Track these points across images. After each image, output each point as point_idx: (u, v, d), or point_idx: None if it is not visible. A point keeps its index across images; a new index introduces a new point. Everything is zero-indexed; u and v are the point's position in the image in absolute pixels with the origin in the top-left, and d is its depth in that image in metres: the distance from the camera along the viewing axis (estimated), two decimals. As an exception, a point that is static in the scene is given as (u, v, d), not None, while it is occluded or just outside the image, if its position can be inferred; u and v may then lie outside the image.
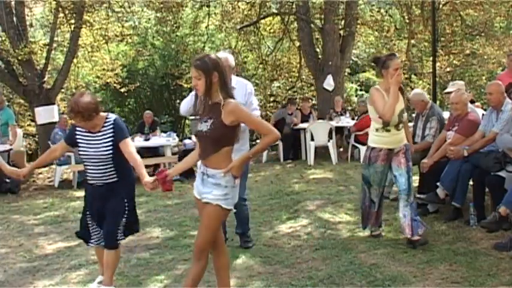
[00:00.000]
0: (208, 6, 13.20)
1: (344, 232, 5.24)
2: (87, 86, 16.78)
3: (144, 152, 9.85)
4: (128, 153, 3.69)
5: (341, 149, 10.84)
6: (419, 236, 4.58)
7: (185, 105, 4.61)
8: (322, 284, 3.87)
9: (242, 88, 4.63)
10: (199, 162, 3.40)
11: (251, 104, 4.68)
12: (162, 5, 12.60)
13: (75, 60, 12.69)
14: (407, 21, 13.78)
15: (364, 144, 9.77)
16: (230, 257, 4.56)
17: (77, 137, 3.76)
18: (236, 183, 3.23)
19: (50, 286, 4.19)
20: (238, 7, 13.59)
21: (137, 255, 4.84)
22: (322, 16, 12.47)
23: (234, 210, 3.46)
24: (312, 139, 10.10)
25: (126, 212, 3.79)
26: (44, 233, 5.91)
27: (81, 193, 8.34)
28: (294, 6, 12.40)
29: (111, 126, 3.71)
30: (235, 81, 4.59)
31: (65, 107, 15.66)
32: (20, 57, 11.05)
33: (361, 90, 18.91)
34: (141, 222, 6.09)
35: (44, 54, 12.28)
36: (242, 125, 3.42)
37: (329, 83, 11.92)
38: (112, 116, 3.77)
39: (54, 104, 11.95)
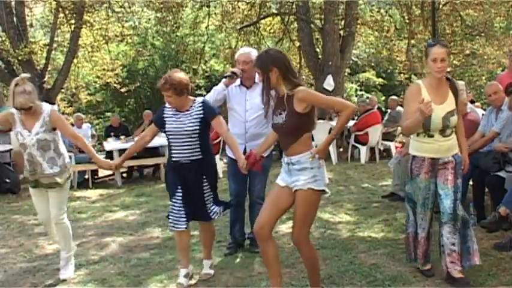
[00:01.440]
0: (208, 6, 13.21)
1: (344, 232, 5.24)
2: (87, 86, 16.80)
3: (144, 152, 9.87)
4: (223, 131, 3.86)
5: (341, 149, 10.85)
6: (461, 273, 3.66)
7: (208, 100, 4.29)
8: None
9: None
10: (283, 155, 3.39)
11: None
12: (162, 5, 12.61)
13: (75, 60, 12.71)
14: (407, 21, 13.79)
15: (364, 144, 9.82)
16: (230, 257, 4.58)
17: (165, 116, 3.89)
18: (322, 164, 3.32)
19: (50, 286, 4.18)
20: (238, 7, 13.60)
21: (137, 255, 4.84)
22: (322, 16, 12.48)
23: (328, 193, 3.48)
24: (312, 139, 10.08)
25: (207, 190, 3.90)
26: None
27: (81, 193, 8.37)
28: (294, 6, 12.40)
29: (201, 105, 3.83)
30: (258, 78, 4.54)
31: (65, 107, 15.69)
32: (20, 57, 11.06)
33: (361, 90, 18.96)
34: (141, 222, 6.14)
35: (44, 54, 12.29)
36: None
37: (329, 83, 11.93)
38: (199, 99, 3.90)
39: (54, 104, 11.95)
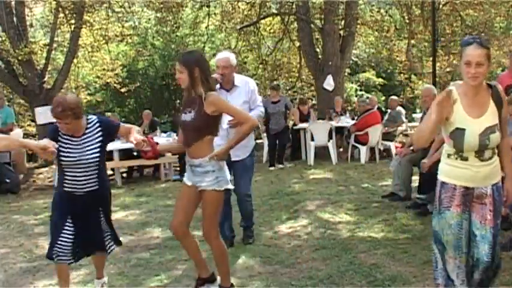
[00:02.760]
0: (208, 6, 13.21)
1: (344, 232, 5.24)
2: (87, 86, 16.80)
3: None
4: (131, 132, 3.61)
5: (341, 149, 10.84)
6: None
7: None
8: (322, 284, 3.87)
9: (245, 85, 4.76)
10: (186, 155, 3.60)
11: (255, 100, 4.80)
12: (162, 5, 12.61)
13: (75, 60, 12.71)
14: (407, 21, 13.79)
15: (364, 144, 9.82)
16: (230, 257, 4.58)
17: (60, 143, 3.37)
18: (222, 165, 3.52)
19: (50, 286, 4.18)
20: (238, 7, 13.60)
21: (137, 255, 4.84)
22: (322, 16, 12.49)
23: (232, 187, 3.77)
24: (312, 139, 10.10)
25: (103, 223, 3.61)
26: (44, 233, 5.89)
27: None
28: (294, 6, 12.41)
29: (97, 124, 3.49)
30: (239, 80, 4.75)
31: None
32: (20, 57, 11.06)
33: (361, 90, 18.94)
34: (141, 222, 6.14)
35: (44, 54, 12.29)
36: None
37: (329, 83, 11.93)
38: (93, 117, 3.54)
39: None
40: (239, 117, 3.61)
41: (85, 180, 3.44)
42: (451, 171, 2.88)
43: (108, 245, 3.69)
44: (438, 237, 2.93)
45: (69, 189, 3.45)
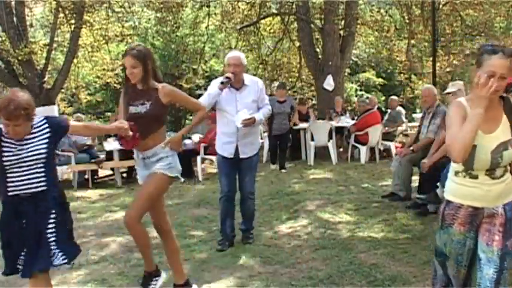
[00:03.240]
0: (208, 6, 13.21)
1: (344, 232, 5.24)
2: (87, 86, 16.81)
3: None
4: (83, 128, 3.54)
5: (341, 149, 10.84)
6: None
7: (207, 99, 4.68)
8: (322, 284, 3.87)
9: (254, 85, 4.83)
10: (135, 152, 3.60)
11: (263, 99, 4.89)
12: (162, 5, 12.62)
13: (75, 60, 12.72)
14: (407, 21, 13.79)
15: (364, 144, 9.82)
16: (230, 257, 4.58)
17: (1, 141, 3.01)
18: (175, 153, 3.57)
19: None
20: (238, 7, 13.60)
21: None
22: (322, 16, 12.48)
23: (181, 180, 3.72)
24: (312, 139, 10.10)
25: (52, 228, 3.03)
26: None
27: (81, 193, 8.37)
28: (294, 6, 12.40)
29: (44, 123, 3.15)
30: (248, 79, 4.83)
31: (65, 107, 15.71)
32: (20, 57, 11.07)
33: (361, 90, 18.95)
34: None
35: (44, 54, 12.30)
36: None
37: (329, 83, 11.93)
38: (39, 117, 3.19)
39: (54, 104, 11.95)
40: (192, 105, 3.77)
41: (30, 180, 3.02)
42: (458, 190, 2.65)
43: (56, 257, 3.02)
44: (439, 250, 2.77)
45: (14, 193, 3.02)
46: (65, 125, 3.25)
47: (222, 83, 4.63)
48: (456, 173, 2.66)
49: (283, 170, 9.38)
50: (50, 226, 3.02)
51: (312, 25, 12.44)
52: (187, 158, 9.26)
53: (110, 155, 9.48)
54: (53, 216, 3.04)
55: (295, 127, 10.78)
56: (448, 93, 6.37)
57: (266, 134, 11.35)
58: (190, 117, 14.51)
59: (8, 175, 3.03)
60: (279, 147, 9.74)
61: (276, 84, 16.22)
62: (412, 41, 14.45)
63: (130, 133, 3.41)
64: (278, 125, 9.49)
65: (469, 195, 2.61)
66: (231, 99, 4.71)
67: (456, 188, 2.67)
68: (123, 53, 3.57)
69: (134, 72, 3.45)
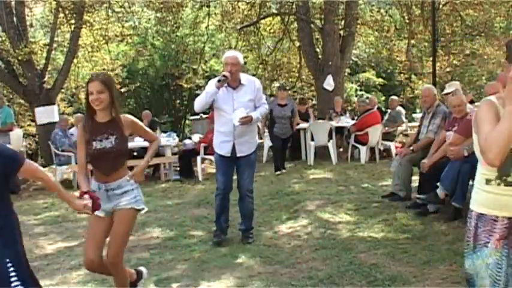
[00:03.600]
0: (208, 6, 13.21)
1: (344, 232, 5.24)
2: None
3: (144, 152, 9.87)
4: (38, 175, 3.02)
5: (341, 149, 10.84)
6: None
7: (200, 103, 4.83)
8: (322, 284, 3.87)
9: (251, 84, 4.88)
10: (95, 184, 3.35)
11: (260, 98, 4.94)
12: (162, 5, 12.61)
13: (75, 60, 12.71)
14: (407, 21, 13.79)
15: (364, 144, 9.82)
16: (230, 257, 4.59)
17: None
18: (138, 185, 3.45)
19: (50, 286, 4.18)
20: (238, 7, 13.59)
21: (137, 255, 4.84)
22: (322, 16, 12.48)
23: (146, 209, 3.55)
24: (312, 139, 10.10)
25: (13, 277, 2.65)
26: (44, 233, 5.91)
27: (81, 193, 8.37)
28: (294, 6, 12.40)
29: None
30: (245, 78, 4.88)
31: (65, 107, 15.70)
32: (20, 57, 11.07)
33: (361, 90, 18.94)
34: (141, 222, 6.13)
35: (44, 54, 12.30)
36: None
37: (329, 83, 11.92)
38: None
39: (54, 104, 11.96)
40: (149, 136, 3.64)
41: None
42: (492, 200, 2.34)
43: None
44: (472, 281, 2.40)
45: None
46: (16, 166, 2.78)
47: (219, 81, 4.68)
48: (488, 181, 2.37)
49: (283, 170, 9.22)
50: (10, 271, 2.65)
51: (312, 25, 12.43)
52: (187, 158, 9.27)
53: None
54: (9, 261, 2.65)
55: (295, 128, 10.77)
56: (446, 94, 6.39)
57: (265, 133, 11.36)
58: (191, 117, 14.50)
59: None
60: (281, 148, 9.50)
61: (276, 84, 16.32)
62: (412, 41, 14.45)
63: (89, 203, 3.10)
64: (280, 129, 9.31)
65: (506, 205, 2.31)
66: (228, 98, 4.77)
67: (489, 198, 2.36)
68: (88, 79, 3.38)
69: (101, 98, 3.23)
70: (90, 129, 3.32)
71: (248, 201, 5.04)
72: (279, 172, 9.04)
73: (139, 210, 3.43)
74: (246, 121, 4.67)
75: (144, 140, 3.75)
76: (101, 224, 3.36)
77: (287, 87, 9.70)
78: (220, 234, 5.03)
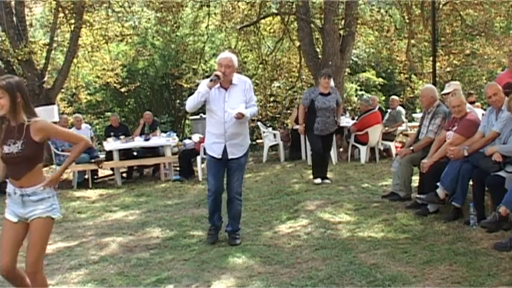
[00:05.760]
0: (208, 6, 13.19)
1: (344, 232, 5.24)
2: (87, 86, 16.80)
3: (144, 152, 9.88)
4: None
5: (341, 149, 10.83)
6: None
7: (191, 102, 4.84)
8: (322, 284, 3.87)
9: (242, 84, 4.88)
10: (11, 187, 3.34)
11: (251, 99, 4.92)
12: (162, 5, 12.60)
13: (75, 60, 12.70)
14: (407, 21, 13.77)
15: (364, 144, 9.81)
16: (230, 257, 4.59)
17: None
18: (54, 192, 3.40)
19: (50, 286, 4.18)
20: (238, 7, 13.58)
21: (137, 255, 4.84)
22: (322, 16, 12.47)
23: (60, 216, 3.49)
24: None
25: None
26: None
27: (81, 193, 8.37)
28: (294, 6, 12.39)
29: None
30: (236, 79, 4.87)
31: (65, 107, 15.69)
32: (20, 57, 11.06)
33: (361, 90, 18.91)
34: (141, 222, 6.13)
35: (44, 54, 12.29)
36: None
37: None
38: None
39: (54, 104, 11.95)
40: (72, 139, 3.56)
41: None
42: None
43: None
44: None
45: None
46: None
47: (211, 80, 4.68)
48: None
49: (326, 180, 7.83)
50: None
51: (312, 25, 12.43)
52: (187, 158, 9.26)
53: (110, 155, 9.48)
54: None
55: (295, 127, 10.73)
56: (446, 94, 6.38)
57: (266, 133, 11.35)
58: (191, 117, 14.49)
59: None
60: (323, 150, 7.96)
61: (275, 84, 16.29)
62: (412, 41, 14.43)
63: None
64: (322, 124, 7.74)
65: None
66: (219, 99, 4.78)
67: None
68: None
69: (1, 103, 3.20)
70: (4, 132, 3.29)
71: (237, 203, 5.03)
72: (319, 181, 7.76)
73: (54, 219, 3.37)
74: (239, 117, 4.68)
75: (69, 143, 3.61)
76: (14, 229, 3.33)
77: (330, 75, 8.01)
78: (214, 234, 5.06)
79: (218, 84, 4.75)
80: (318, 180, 7.80)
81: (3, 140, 3.28)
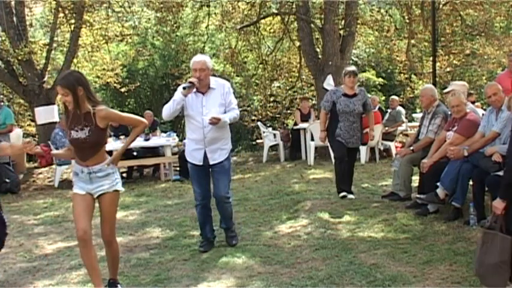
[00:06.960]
0: (208, 6, 13.19)
1: (344, 232, 5.24)
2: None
3: (144, 152, 9.88)
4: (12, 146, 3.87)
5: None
6: None
7: (167, 110, 4.73)
8: (322, 284, 3.87)
9: (221, 87, 4.75)
10: (78, 167, 3.74)
11: (230, 103, 4.76)
12: (162, 5, 12.59)
13: (75, 60, 12.69)
14: (407, 21, 13.77)
15: (363, 144, 9.81)
16: (230, 257, 4.58)
17: None
18: (116, 167, 3.85)
19: (50, 286, 4.19)
20: (238, 7, 13.58)
21: (137, 255, 4.84)
22: (322, 16, 12.47)
23: (123, 189, 3.87)
24: (312, 139, 10.09)
25: None
26: (44, 233, 5.91)
27: (81, 193, 8.38)
28: (294, 6, 12.39)
29: None
30: (214, 82, 4.73)
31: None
32: (20, 57, 11.06)
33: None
34: (141, 222, 6.13)
35: (44, 54, 12.29)
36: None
37: (329, 83, 11.90)
38: None
39: (54, 104, 11.95)
40: (133, 122, 3.92)
41: None
42: None
43: None
44: None
45: None
46: None
47: (184, 88, 4.58)
48: None
49: (350, 196, 6.73)
50: None
51: (312, 25, 12.43)
52: (187, 158, 9.26)
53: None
54: None
55: (295, 127, 10.74)
56: (447, 92, 6.37)
57: (266, 133, 11.35)
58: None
59: None
60: (348, 163, 6.79)
61: (275, 84, 16.28)
62: (412, 41, 14.42)
63: (38, 149, 3.74)
64: (346, 131, 6.58)
65: None
66: (197, 104, 4.67)
67: None
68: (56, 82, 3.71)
69: (67, 100, 3.59)
70: (70, 119, 3.68)
71: (226, 205, 4.91)
72: (343, 194, 6.70)
73: (120, 191, 3.81)
74: (214, 122, 4.54)
75: (128, 125, 4.05)
76: (84, 200, 3.69)
77: (356, 73, 6.75)
78: (207, 244, 4.92)
79: (195, 89, 4.63)
80: (343, 194, 6.71)
81: (69, 125, 3.66)
